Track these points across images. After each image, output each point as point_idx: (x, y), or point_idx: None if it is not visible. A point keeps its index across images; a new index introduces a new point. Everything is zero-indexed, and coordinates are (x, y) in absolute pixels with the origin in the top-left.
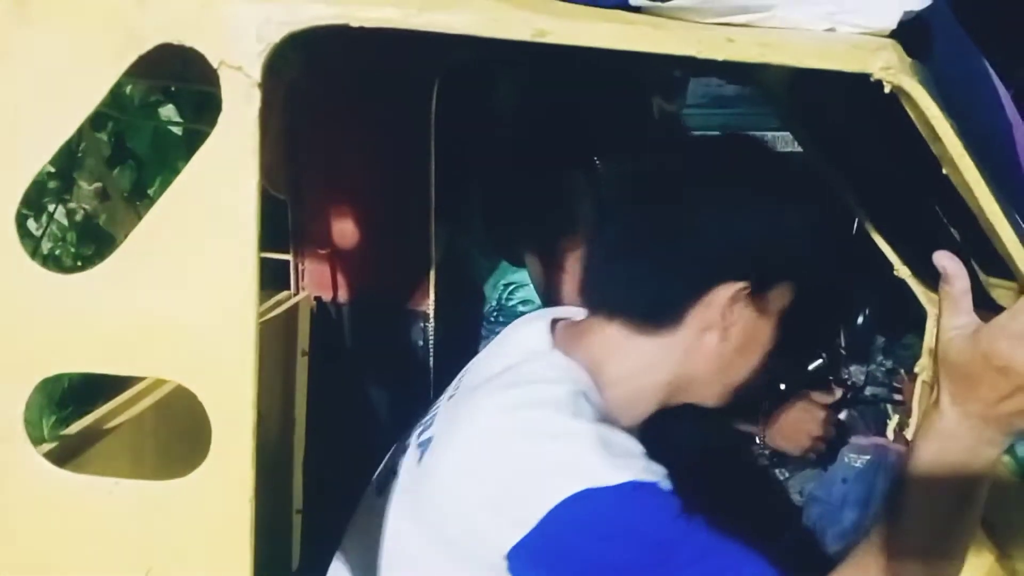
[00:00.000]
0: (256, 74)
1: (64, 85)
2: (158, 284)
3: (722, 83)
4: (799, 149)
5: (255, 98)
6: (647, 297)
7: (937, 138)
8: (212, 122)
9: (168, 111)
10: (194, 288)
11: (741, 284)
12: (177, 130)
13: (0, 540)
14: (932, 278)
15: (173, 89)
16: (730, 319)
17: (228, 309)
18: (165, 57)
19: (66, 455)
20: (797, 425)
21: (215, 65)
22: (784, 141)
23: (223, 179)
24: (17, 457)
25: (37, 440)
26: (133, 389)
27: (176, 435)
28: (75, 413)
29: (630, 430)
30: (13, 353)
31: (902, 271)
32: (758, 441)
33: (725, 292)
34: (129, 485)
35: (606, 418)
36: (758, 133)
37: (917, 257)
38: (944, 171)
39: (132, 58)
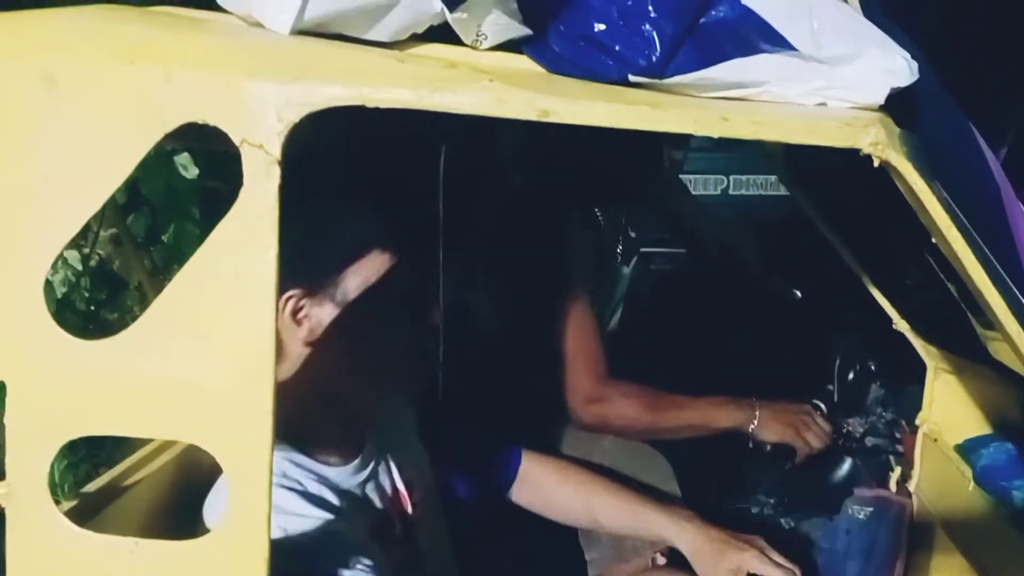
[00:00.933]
0: (276, 151)
1: (92, 162)
2: (180, 349)
3: None
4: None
5: (275, 174)
6: None
7: (924, 210)
8: (225, 176)
9: (183, 159)
10: (214, 354)
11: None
12: (191, 177)
13: None
14: (929, 331)
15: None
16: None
17: (246, 373)
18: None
19: (87, 513)
20: (787, 417)
21: (237, 143)
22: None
23: (243, 249)
24: (42, 519)
25: (54, 493)
26: (151, 445)
27: (194, 491)
28: (86, 458)
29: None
30: (39, 416)
31: (900, 325)
32: (749, 440)
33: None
34: (148, 545)
35: None
36: (760, 176)
37: (914, 311)
38: (933, 240)
39: (158, 136)
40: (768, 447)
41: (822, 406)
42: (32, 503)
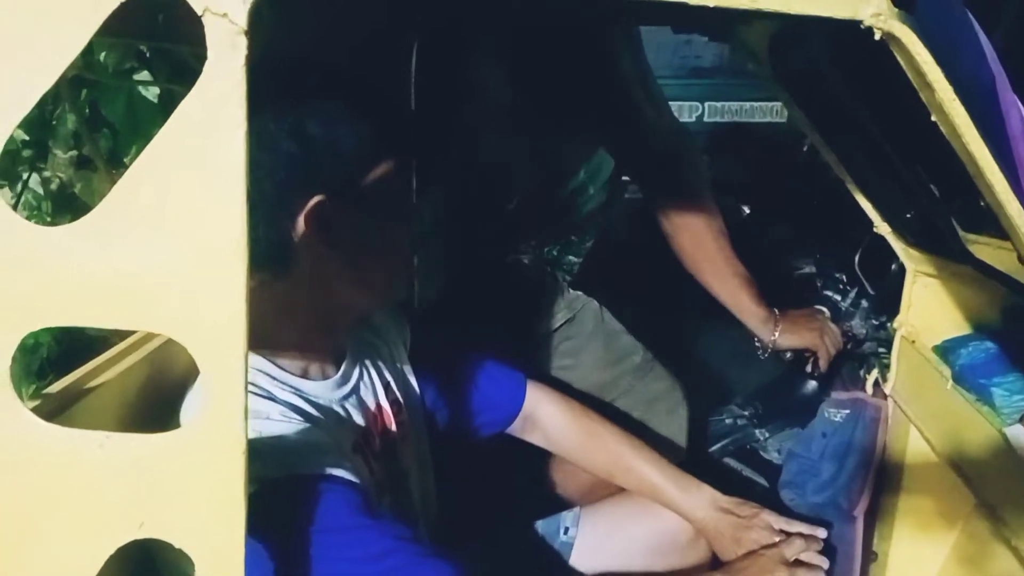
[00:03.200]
0: (242, 21)
1: (39, 38)
2: (144, 236)
3: (700, 55)
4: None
5: (241, 46)
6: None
7: (927, 84)
8: (189, 85)
9: (143, 78)
10: (181, 239)
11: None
12: (152, 98)
13: None
14: (912, 235)
15: (147, 55)
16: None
17: (217, 260)
18: (140, 15)
19: (51, 412)
20: (807, 323)
21: (200, 12)
22: (761, 111)
23: (209, 128)
24: (6, 410)
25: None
26: (117, 347)
27: (162, 393)
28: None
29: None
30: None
31: (881, 228)
32: (760, 345)
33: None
34: (120, 439)
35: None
36: (735, 103)
37: (896, 214)
38: (933, 119)
39: (110, 8)
40: (788, 354)
41: (825, 311)
42: None
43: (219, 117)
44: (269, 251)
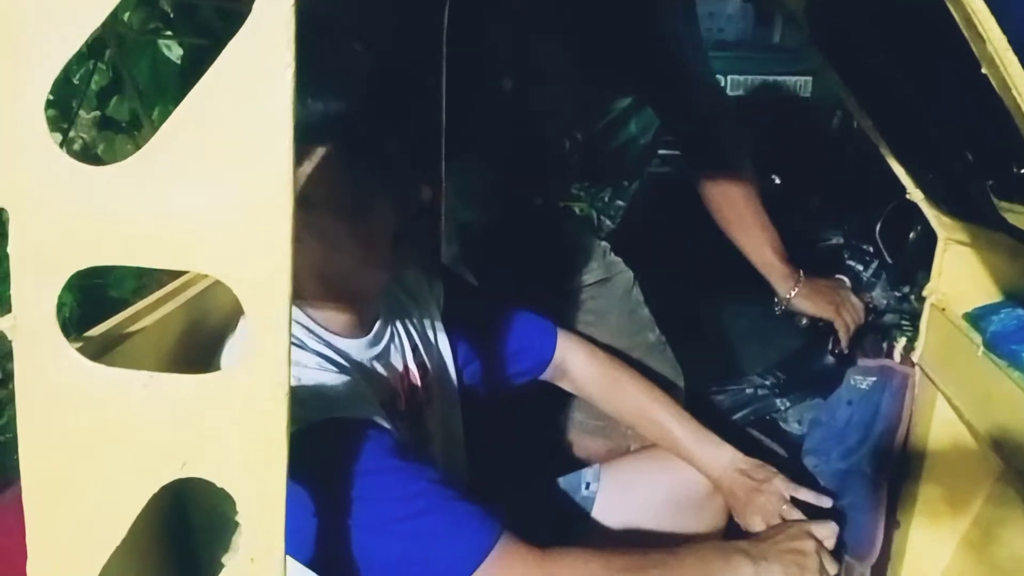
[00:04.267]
0: None
1: None
2: (192, 177)
3: (723, 28)
4: (801, 94)
5: None
6: None
7: (979, 36)
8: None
9: (167, 41)
10: (228, 180)
11: None
12: (176, 59)
13: (36, 432)
14: (945, 202)
15: (171, 15)
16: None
17: (264, 202)
18: None
19: (94, 354)
20: (827, 293)
21: None
22: (786, 85)
23: (257, 68)
24: (52, 350)
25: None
26: (155, 294)
27: (200, 341)
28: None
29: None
30: (43, 245)
31: (914, 195)
32: (777, 303)
33: None
34: (164, 379)
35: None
36: (757, 77)
37: (930, 181)
38: (983, 70)
39: None
40: (804, 320)
41: (847, 281)
42: (40, 335)
43: (268, 57)
44: None
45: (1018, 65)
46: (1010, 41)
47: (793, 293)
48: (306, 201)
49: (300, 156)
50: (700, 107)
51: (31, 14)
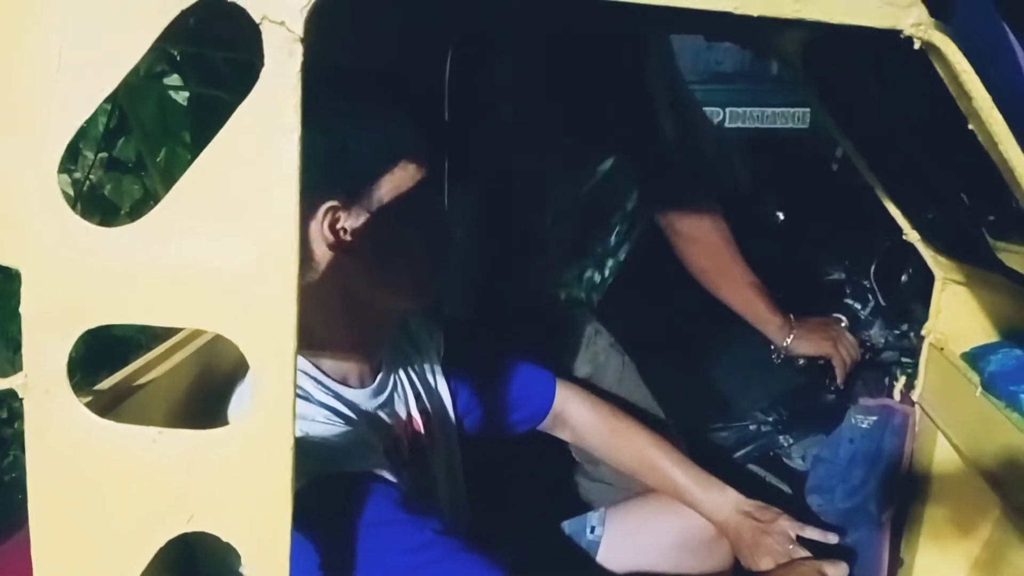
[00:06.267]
0: (299, 29)
1: (107, 39)
2: (200, 237)
3: (721, 60)
4: (798, 126)
5: (297, 53)
6: None
7: (965, 94)
8: (219, 89)
9: (173, 81)
10: (235, 240)
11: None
12: (182, 101)
13: (44, 490)
14: (941, 242)
15: (178, 59)
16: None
17: (269, 260)
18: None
19: (103, 408)
20: (823, 331)
21: (257, 20)
22: (784, 117)
23: (265, 132)
24: (62, 407)
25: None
26: (163, 345)
27: (209, 391)
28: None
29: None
30: (55, 304)
31: (911, 235)
32: (775, 351)
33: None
34: (172, 434)
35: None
36: (757, 109)
37: (926, 221)
38: (970, 126)
39: (175, 12)
40: (801, 361)
41: (843, 319)
42: (51, 393)
43: (275, 122)
44: None
45: (1003, 123)
46: (995, 100)
47: (789, 340)
48: (317, 236)
49: (315, 195)
50: (668, 164)
51: (49, 76)
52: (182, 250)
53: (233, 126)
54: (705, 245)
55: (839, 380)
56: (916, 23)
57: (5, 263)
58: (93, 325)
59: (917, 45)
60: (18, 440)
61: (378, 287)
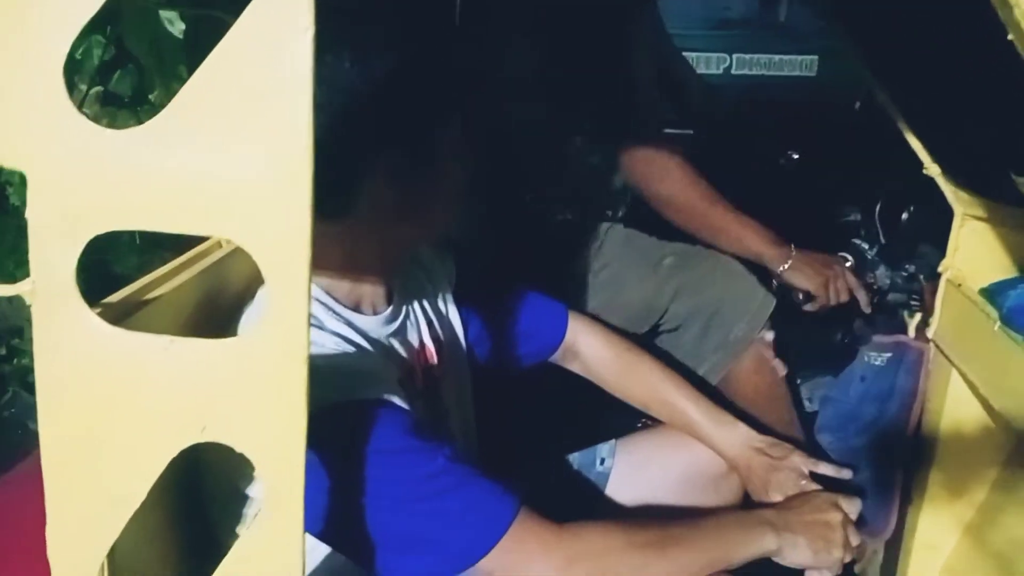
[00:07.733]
0: None
1: None
2: (211, 140)
3: (728, 6)
4: (806, 73)
5: None
6: None
7: (1006, 2)
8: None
9: (169, 15)
10: (247, 144)
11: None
12: (177, 35)
13: (55, 397)
14: (962, 176)
15: None
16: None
17: (282, 165)
18: None
19: (114, 319)
20: (819, 267)
21: None
22: (791, 65)
23: (275, 33)
24: (72, 314)
25: None
26: (172, 262)
27: (218, 309)
28: None
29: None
30: (62, 208)
31: (932, 169)
32: (774, 281)
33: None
34: (185, 343)
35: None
36: (764, 56)
37: (948, 155)
38: (1009, 37)
39: None
40: (799, 295)
41: (850, 258)
42: (60, 299)
43: (286, 20)
44: (330, 197)
45: None
46: None
47: (785, 267)
48: (374, 182)
49: (376, 144)
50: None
51: None
52: (193, 155)
53: (241, 27)
54: (668, 185)
55: (812, 308)
56: None
57: (9, 166)
58: (103, 230)
59: None
60: (17, 377)
61: (414, 224)
